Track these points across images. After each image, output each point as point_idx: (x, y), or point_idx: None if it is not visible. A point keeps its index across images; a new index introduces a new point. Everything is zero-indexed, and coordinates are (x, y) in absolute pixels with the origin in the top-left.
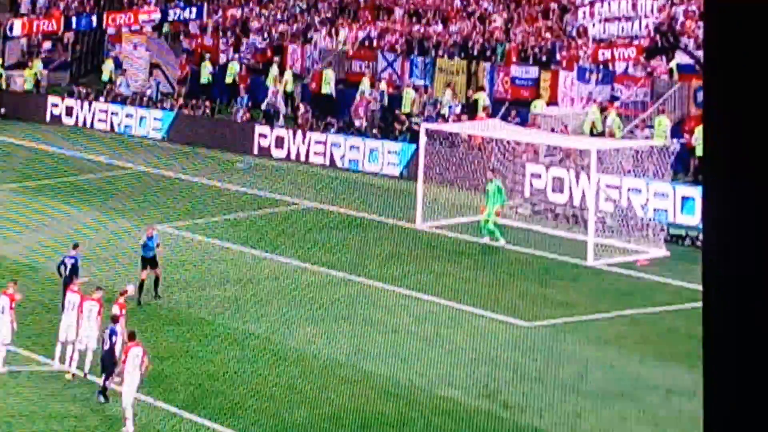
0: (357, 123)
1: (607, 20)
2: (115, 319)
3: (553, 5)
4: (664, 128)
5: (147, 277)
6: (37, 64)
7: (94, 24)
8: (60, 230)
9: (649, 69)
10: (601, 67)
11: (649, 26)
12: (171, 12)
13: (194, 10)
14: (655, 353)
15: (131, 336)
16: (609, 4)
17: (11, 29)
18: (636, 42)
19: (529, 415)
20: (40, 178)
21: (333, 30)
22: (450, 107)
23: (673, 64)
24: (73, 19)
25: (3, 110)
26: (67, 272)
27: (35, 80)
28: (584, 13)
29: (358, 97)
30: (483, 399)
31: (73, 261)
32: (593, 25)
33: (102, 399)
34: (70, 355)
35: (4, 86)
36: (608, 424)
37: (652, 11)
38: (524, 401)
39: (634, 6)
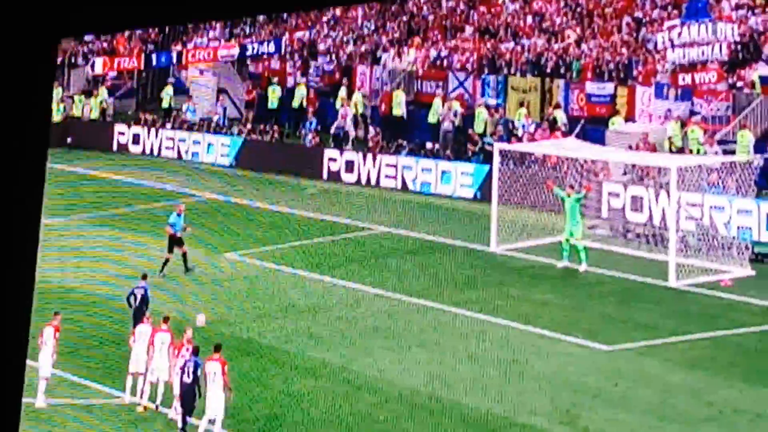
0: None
1: (686, 45)
2: (196, 351)
3: (628, 19)
4: (747, 143)
5: (173, 256)
6: (103, 92)
7: (175, 60)
8: (129, 260)
9: (730, 82)
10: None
11: (730, 44)
12: (250, 47)
13: (273, 44)
14: (742, 376)
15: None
16: (688, 28)
17: (93, 67)
18: (716, 61)
19: None
20: (109, 208)
21: (402, 50)
22: (524, 126)
23: (755, 76)
24: (153, 57)
25: (69, 140)
26: (137, 303)
27: (101, 108)
28: (663, 38)
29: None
30: (564, 426)
31: (142, 291)
32: (672, 50)
33: None
34: (141, 388)
35: (75, 114)
36: None
37: (732, 32)
38: (607, 427)
39: (714, 30)
